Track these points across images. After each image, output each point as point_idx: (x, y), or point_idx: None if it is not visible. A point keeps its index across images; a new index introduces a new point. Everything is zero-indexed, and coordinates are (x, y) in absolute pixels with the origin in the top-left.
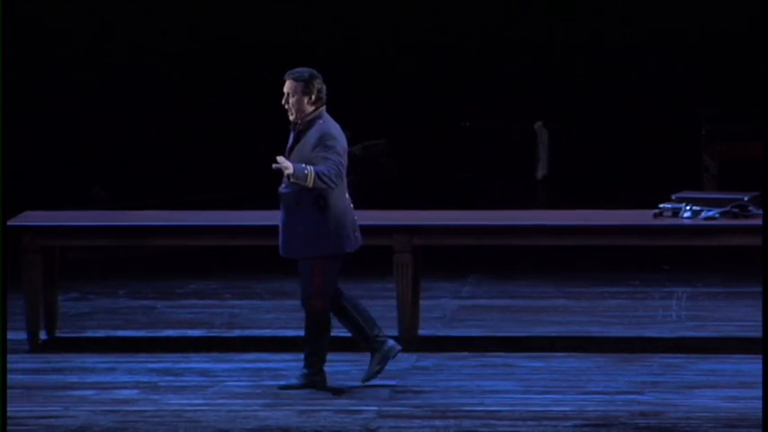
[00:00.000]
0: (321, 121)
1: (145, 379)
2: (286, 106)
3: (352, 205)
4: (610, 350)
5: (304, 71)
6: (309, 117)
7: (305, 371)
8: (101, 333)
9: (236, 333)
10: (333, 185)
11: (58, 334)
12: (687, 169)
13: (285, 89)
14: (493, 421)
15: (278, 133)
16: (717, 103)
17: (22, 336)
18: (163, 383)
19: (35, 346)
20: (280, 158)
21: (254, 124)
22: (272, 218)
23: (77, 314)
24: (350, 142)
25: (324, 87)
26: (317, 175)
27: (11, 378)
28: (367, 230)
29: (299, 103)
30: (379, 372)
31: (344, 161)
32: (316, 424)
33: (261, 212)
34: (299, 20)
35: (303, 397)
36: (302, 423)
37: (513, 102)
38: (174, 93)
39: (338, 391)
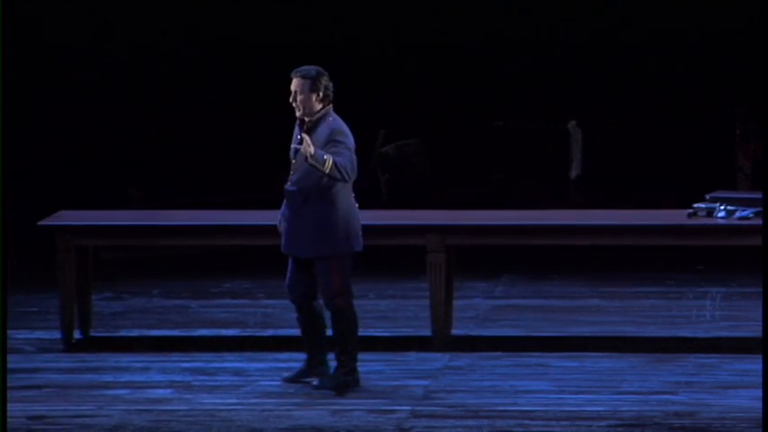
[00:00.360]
0: (331, 119)
1: (178, 378)
2: (294, 104)
3: (357, 205)
4: (644, 350)
5: (311, 69)
6: (318, 115)
7: (338, 370)
8: (135, 332)
9: (270, 332)
10: (347, 178)
11: (92, 333)
12: (721, 169)
13: (292, 87)
14: (526, 421)
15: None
16: (751, 102)
17: (57, 335)
18: (196, 383)
19: (69, 346)
20: (305, 136)
21: (276, 125)
22: None
23: (111, 314)
24: (383, 142)
25: (330, 85)
26: (335, 163)
27: (45, 377)
28: (400, 230)
29: (307, 100)
30: (297, 380)
31: (355, 157)
32: (349, 423)
33: None
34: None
35: (336, 396)
36: (335, 422)
37: (546, 101)
38: (209, 94)
39: (371, 390)
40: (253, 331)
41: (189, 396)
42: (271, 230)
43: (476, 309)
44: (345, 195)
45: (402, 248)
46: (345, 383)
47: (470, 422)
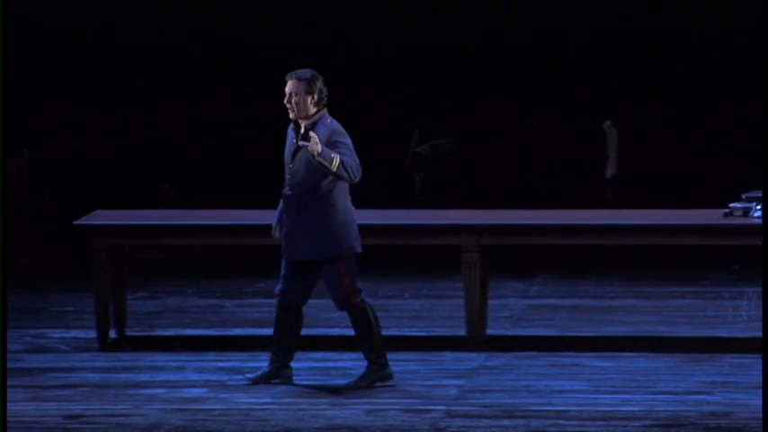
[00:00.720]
0: (328, 121)
1: (214, 378)
2: (288, 105)
3: (352, 207)
4: (679, 350)
5: (306, 71)
6: (314, 118)
7: (370, 368)
8: (170, 332)
9: (304, 332)
10: (354, 177)
11: (128, 333)
12: (758, 168)
13: (287, 89)
14: (561, 421)
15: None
16: None
17: (92, 334)
18: (231, 382)
19: (105, 345)
20: (312, 134)
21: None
22: None
23: (147, 313)
24: (417, 142)
25: (325, 89)
26: (343, 162)
27: (81, 376)
28: (435, 230)
29: (302, 102)
30: (263, 380)
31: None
32: (384, 423)
33: None
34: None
35: (371, 396)
36: (370, 422)
37: (582, 101)
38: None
39: (406, 390)
40: None
41: (224, 395)
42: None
43: (511, 309)
44: (343, 198)
45: (437, 248)
46: (380, 379)
47: (505, 422)
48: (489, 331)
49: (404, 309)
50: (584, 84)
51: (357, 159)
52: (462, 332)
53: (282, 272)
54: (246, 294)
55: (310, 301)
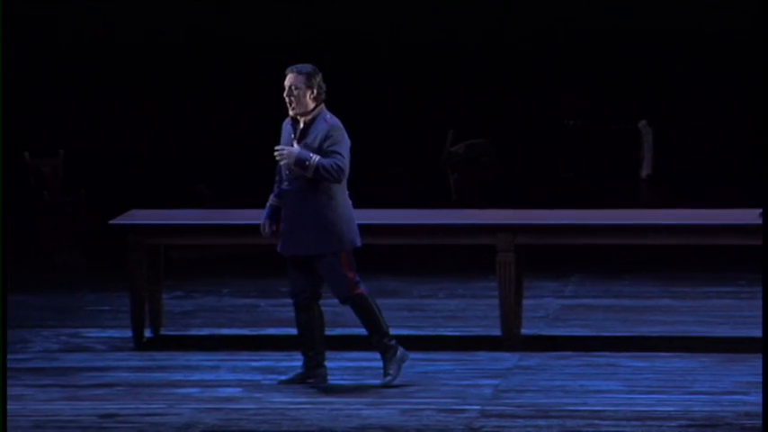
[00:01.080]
0: (328, 116)
1: (248, 377)
2: (290, 99)
3: (350, 201)
4: (715, 350)
5: (306, 66)
6: (313, 113)
7: (388, 354)
8: (205, 331)
9: (339, 331)
10: (334, 179)
11: (163, 332)
12: None
13: (287, 83)
14: (597, 421)
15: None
16: None
17: (128, 333)
18: (266, 382)
19: (140, 344)
20: (278, 148)
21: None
22: (375, 216)
23: (181, 312)
24: (452, 141)
25: (324, 85)
26: (319, 165)
27: (116, 375)
28: (469, 229)
29: (302, 97)
30: (301, 381)
31: (349, 157)
32: (418, 423)
33: (364, 211)
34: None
35: (406, 395)
36: (405, 422)
37: (617, 100)
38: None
39: (441, 390)
40: None
41: (259, 395)
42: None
43: (546, 308)
44: (342, 191)
45: (472, 248)
46: (402, 359)
47: (540, 422)
48: (524, 331)
49: (439, 308)
50: (619, 83)
51: (345, 159)
52: (497, 332)
53: (289, 272)
54: (281, 294)
55: None
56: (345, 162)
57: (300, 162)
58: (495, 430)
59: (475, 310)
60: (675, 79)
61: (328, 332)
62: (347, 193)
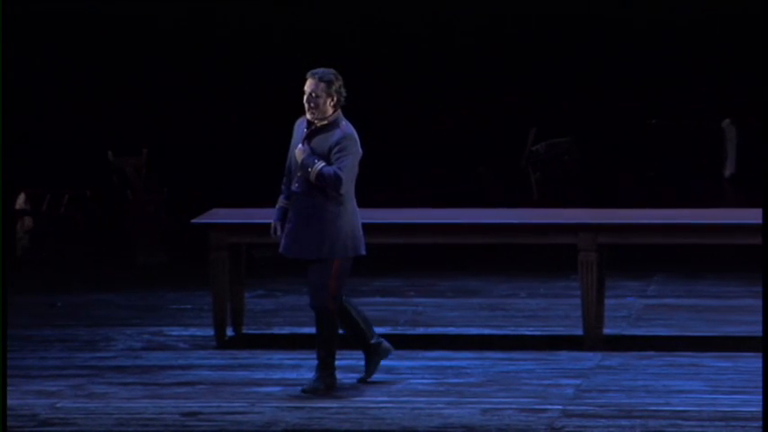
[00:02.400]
0: (344, 123)
1: None
2: (311, 105)
3: (357, 209)
4: None
5: (329, 72)
6: (330, 119)
7: (323, 372)
8: (286, 330)
9: (420, 331)
10: (332, 189)
11: (245, 331)
12: None
13: (308, 88)
14: (679, 421)
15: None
16: None
17: (210, 332)
18: (347, 380)
19: (222, 343)
20: (301, 146)
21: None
22: (458, 216)
23: (263, 311)
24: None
25: (344, 91)
26: (320, 173)
27: (198, 374)
28: (551, 229)
29: (323, 104)
30: (374, 372)
31: (357, 167)
32: (500, 422)
33: (447, 210)
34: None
35: (487, 395)
36: (486, 421)
37: (700, 99)
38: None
39: (523, 389)
40: (403, 329)
41: (340, 394)
42: (424, 228)
43: (628, 308)
44: (351, 199)
45: (553, 247)
46: (331, 385)
47: (622, 422)
48: (606, 330)
49: (520, 308)
50: (702, 82)
51: (348, 171)
52: (579, 331)
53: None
54: (362, 293)
55: (427, 299)
56: (347, 173)
57: (305, 166)
58: (576, 430)
59: (556, 309)
60: (760, 77)
61: (409, 332)
62: (355, 200)
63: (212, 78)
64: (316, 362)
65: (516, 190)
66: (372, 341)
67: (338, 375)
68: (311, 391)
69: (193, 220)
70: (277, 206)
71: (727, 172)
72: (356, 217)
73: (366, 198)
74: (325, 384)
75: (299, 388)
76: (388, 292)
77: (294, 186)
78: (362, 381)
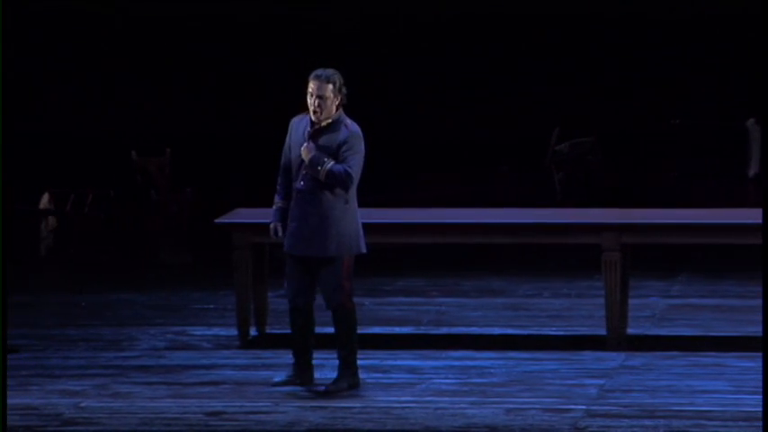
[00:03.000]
0: (348, 122)
1: None
2: (318, 107)
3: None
4: None
5: (333, 72)
6: (334, 117)
7: (347, 371)
8: None
9: (444, 330)
10: (342, 186)
11: (268, 330)
12: None
13: (314, 89)
14: (703, 421)
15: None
16: None
17: (233, 332)
18: (371, 380)
19: (245, 342)
20: (306, 145)
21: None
22: (480, 216)
23: (286, 311)
24: (557, 140)
25: (345, 89)
26: (330, 171)
27: (221, 373)
28: (575, 228)
29: (329, 105)
30: (291, 383)
31: (362, 166)
32: (523, 422)
33: (470, 210)
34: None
35: (510, 395)
36: (510, 421)
37: (724, 99)
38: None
39: (546, 389)
40: (427, 329)
41: (363, 393)
42: (448, 228)
43: (651, 308)
44: (354, 196)
45: (577, 247)
46: (354, 384)
47: (646, 422)
48: (630, 330)
49: (543, 308)
50: (726, 81)
51: (358, 168)
52: (602, 331)
53: (289, 273)
54: (386, 293)
55: (450, 299)
56: (357, 171)
57: (313, 165)
58: (600, 430)
59: (580, 309)
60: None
61: (432, 332)
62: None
63: (234, 77)
64: (337, 361)
65: (539, 189)
66: (305, 359)
67: (361, 375)
68: (334, 391)
69: (217, 220)
70: (274, 207)
71: (752, 171)
72: (358, 215)
73: (390, 198)
74: (348, 384)
75: (323, 387)
76: (412, 292)
77: (299, 184)
78: (274, 383)
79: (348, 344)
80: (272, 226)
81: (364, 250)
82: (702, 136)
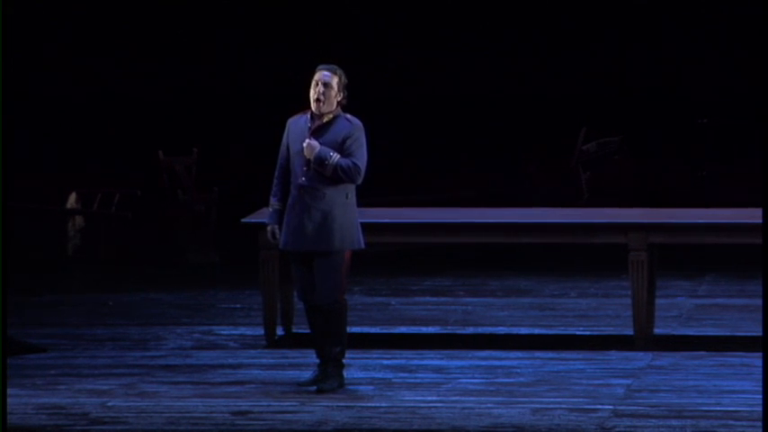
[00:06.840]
0: (349, 116)
1: (379, 375)
2: (321, 96)
3: None
4: None
5: (337, 68)
6: (336, 112)
7: (336, 369)
8: None
9: (470, 330)
10: (350, 180)
11: (294, 330)
12: None
13: (321, 81)
14: (730, 421)
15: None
16: None
17: (260, 331)
18: (397, 380)
19: (272, 342)
20: (308, 142)
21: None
22: (508, 215)
23: None
24: (584, 139)
25: (346, 91)
26: (338, 166)
27: (248, 373)
28: (602, 228)
29: (332, 97)
30: (312, 384)
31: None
32: (550, 422)
33: (497, 210)
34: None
35: (537, 395)
36: (536, 421)
37: (750, 97)
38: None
39: (573, 389)
40: (453, 329)
41: (390, 393)
42: (473, 228)
43: (679, 308)
44: (353, 190)
45: (604, 247)
46: (342, 383)
47: (673, 422)
48: (657, 330)
49: (570, 307)
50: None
51: (364, 160)
52: (629, 331)
53: (296, 272)
54: (412, 292)
55: (477, 299)
56: (364, 163)
57: (320, 160)
58: (627, 430)
59: (607, 309)
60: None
61: (458, 331)
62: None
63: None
64: (329, 359)
65: (566, 189)
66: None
67: (388, 375)
68: (328, 390)
69: (243, 220)
70: (271, 209)
71: None
72: (356, 208)
73: (414, 197)
74: (339, 383)
75: (349, 387)
76: (438, 292)
77: (300, 180)
78: (302, 383)
79: (341, 341)
80: (269, 228)
81: (363, 245)
82: (730, 135)
